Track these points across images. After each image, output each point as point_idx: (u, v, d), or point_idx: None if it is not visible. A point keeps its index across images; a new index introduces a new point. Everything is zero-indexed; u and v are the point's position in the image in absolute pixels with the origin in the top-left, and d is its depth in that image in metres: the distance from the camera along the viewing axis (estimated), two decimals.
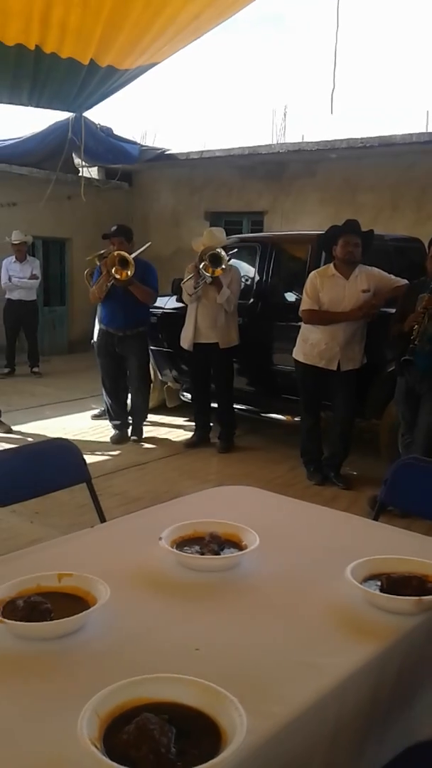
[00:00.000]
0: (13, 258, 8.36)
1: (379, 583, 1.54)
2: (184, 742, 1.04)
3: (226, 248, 5.33)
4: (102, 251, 6.34)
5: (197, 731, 1.06)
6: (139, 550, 1.73)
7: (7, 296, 8.39)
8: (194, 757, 1.00)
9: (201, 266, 5.04)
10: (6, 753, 1.05)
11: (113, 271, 5.05)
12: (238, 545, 1.73)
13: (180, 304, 5.91)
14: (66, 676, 1.25)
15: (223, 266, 5.03)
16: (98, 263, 6.06)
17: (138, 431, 5.68)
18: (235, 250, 5.51)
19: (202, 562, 1.64)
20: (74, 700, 1.11)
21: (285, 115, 10.89)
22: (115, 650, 1.32)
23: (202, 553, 1.66)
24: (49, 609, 1.37)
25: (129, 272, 5.04)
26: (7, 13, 5.85)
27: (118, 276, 5.06)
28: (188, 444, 5.57)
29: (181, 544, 1.71)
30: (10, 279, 8.30)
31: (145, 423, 5.79)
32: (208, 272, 5.04)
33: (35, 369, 8.53)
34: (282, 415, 5.46)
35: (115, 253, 5.09)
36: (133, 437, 5.66)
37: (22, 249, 8.36)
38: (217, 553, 1.67)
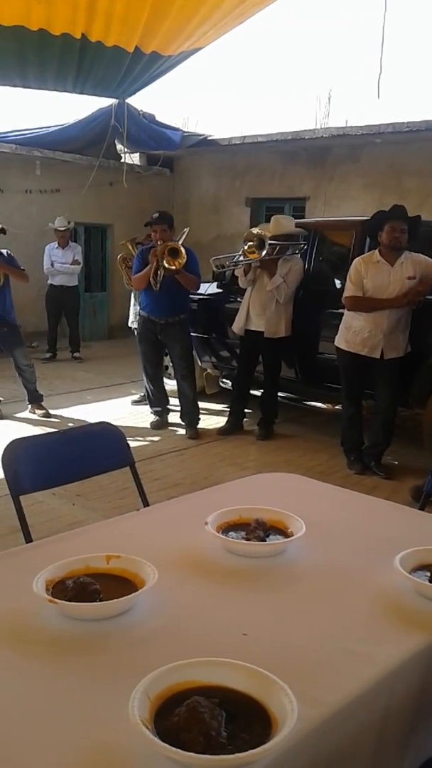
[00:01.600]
0: (56, 244, 8.44)
1: (428, 573, 1.51)
2: (234, 726, 1.04)
3: (291, 237, 5.29)
4: (135, 237, 6.36)
5: (247, 716, 1.06)
6: (185, 534, 1.73)
7: (49, 282, 8.49)
8: (244, 741, 1.00)
9: (246, 248, 5.03)
10: (56, 731, 1.06)
11: (165, 262, 5.04)
12: (283, 532, 1.72)
13: (219, 291, 5.91)
14: (114, 657, 1.26)
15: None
16: (131, 249, 6.08)
17: (189, 419, 5.56)
18: (303, 245, 5.41)
19: (249, 547, 1.63)
20: (122, 681, 1.12)
21: (329, 99, 10.75)
22: (162, 633, 1.32)
23: (248, 539, 1.66)
24: (97, 590, 1.38)
25: (180, 261, 5.03)
26: (53, 4, 5.90)
27: (171, 266, 5.04)
28: (222, 431, 5.56)
29: (227, 529, 1.71)
30: (52, 264, 8.39)
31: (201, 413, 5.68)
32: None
33: (76, 354, 8.62)
34: (323, 403, 5.42)
35: (168, 243, 5.06)
36: (189, 430, 5.52)
37: (65, 235, 8.44)
38: (263, 540, 1.66)
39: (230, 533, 1.69)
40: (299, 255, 5.36)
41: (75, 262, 8.48)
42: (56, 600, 1.34)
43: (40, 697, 1.14)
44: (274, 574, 1.57)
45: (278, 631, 1.34)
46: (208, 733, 1.00)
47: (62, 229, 8.35)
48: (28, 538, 2.00)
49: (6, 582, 1.53)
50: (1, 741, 1.03)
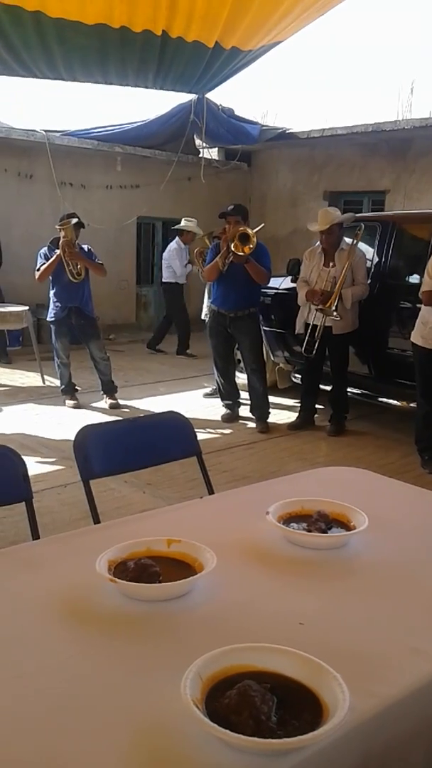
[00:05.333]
0: (183, 243, 8.22)
1: None
2: (284, 712, 1.04)
3: (341, 225, 5.21)
4: (212, 231, 6.38)
5: (298, 703, 1.06)
6: (246, 522, 1.74)
7: (178, 281, 8.33)
8: (294, 728, 1.00)
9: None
10: (112, 705, 1.09)
11: (233, 246, 5.04)
12: (345, 525, 1.70)
13: (294, 285, 5.86)
14: (170, 638, 1.28)
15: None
16: (208, 242, 6.09)
17: (259, 412, 5.55)
18: (360, 225, 5.29)
19: (309, 538, 1.62)
20: (177, 662, 1.14)
21: (412, 90, 10.46)
22: (219, 617, 1.33)
23: (309, 531, 1.65)
24: (157, 572, 1.41)
25: (250, 246, 5.01)
26: (135, 2, 6.02)
27: (238, 252, 5.04)
28: (292, 426, 5.53)
29: (288, 520, 1.71)
30: (186, 265, 8.25)
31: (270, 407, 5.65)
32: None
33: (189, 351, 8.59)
34: (397, 400, 5.30)
35: (240, 228, 5.06)
36: (259, 424, 5.51)
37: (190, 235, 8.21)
38: (324, 532, 1.65)
39: (291, 524, 1.69)
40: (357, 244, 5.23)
41: (190, 262, 8.25)
42: (117, 579, 1.37)
43: (96, 672, 1.18)
44: (334, 566, 1.56)
45: (335, 622, 1.33)
46: (258, 716, 1.00)
47: (190, 230, 8.11)
48: (97, 521, 2.06)
49: (71, 561, 1.58)
50: (59, 715, 1.06)
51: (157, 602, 1.37)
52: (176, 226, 8.35)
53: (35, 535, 1.95)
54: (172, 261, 8.20)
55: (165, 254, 8.36)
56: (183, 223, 8.23)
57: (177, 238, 8.26)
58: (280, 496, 1.81)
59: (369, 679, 1.13)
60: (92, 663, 1.20)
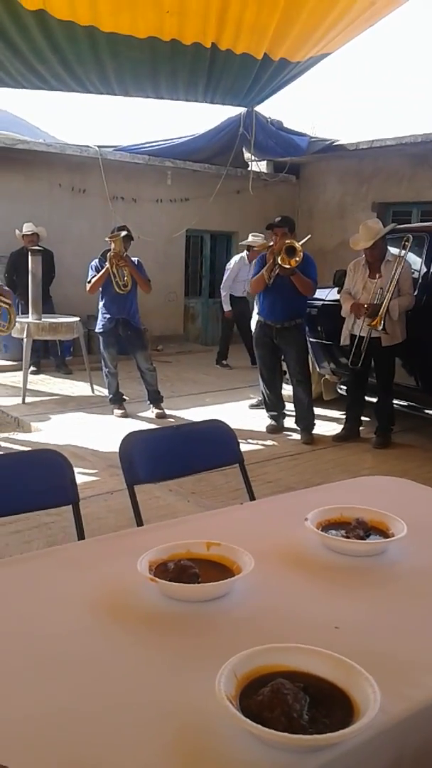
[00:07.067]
0: (246, 259, 8.19)
1: None
2: (316, 711, 1.06)
3: (384, 238, 5.18)
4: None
5: (330, 702, 1.08)
6: (285, 528, 1.76)
7: (231, 293, 8.38)
8: (325, 726, 1.02)
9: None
10: (151, 698, 1.13)
11: (279, 259, 5.07)
12: (384, 533, 1.71)
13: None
14: (206, 638, 1.31)
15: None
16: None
17: (304, 423, 5.55)
18: (408, 236, 5.25)
19: (347, 545, 1.64)
20: (214, 660, 1.16)
21: None
22: (256, 619, 1.36)
23: (347, 537, 1.66)
24: (197, 573, 1.44)
25: (296, 259, 5.03)
26: (185, 15, 6.12)
27: (285, 265, 5.07)
28: (337, 437, 5.51)
29: (327, 526, 1.73)
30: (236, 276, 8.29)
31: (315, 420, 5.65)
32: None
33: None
34: None
35: (286, 241, 5.10)
36: (304, 435, 5.52)
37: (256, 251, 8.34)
38: (363, 539, 1.66)
39: (330, 531, 1.70)
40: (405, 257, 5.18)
41: None
42: (157, 579, 1.42)
43: (134, 668, 1.22)
44: (371, 573, 1.57)
45: (370, 627, 1.34)
46: (290, 714, 1.03)
47: (256, 246, 8.28)
48: (140, 525, 2.11)
49: (113, 561, 1.63)
50: (98, 708, 1.11)
51: (195, 603, 1.41)
52: (244, 242, 8.30)
53: (80, 537, 2.02)
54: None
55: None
56: (250, 238, 8.15)
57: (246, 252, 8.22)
58: (319, 503, 1.83)
59: (402, 683, 1.14)
60: (134, 660, 1.24)
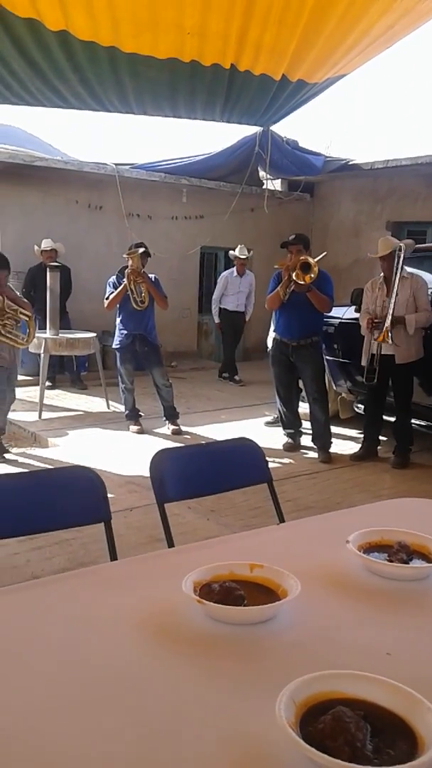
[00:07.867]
0: (234, 271, 8.60)
1: None
2: (378, 740, 1.03)
3: (401, 254, 5.18)
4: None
5: (392, 732, 1.06)
6: (325, 551, 1.74)
7: (222, 306, 8.69)
8: (390, 756, 1.00)
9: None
10: (208, 724, 1.10)
11: (294, 276, 5.08)
12: (427, 557, 1.68)
13: (357, 315, 5.85)
14: (258, 661, 1.29)
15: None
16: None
17: (321, 442, 5.55)
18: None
19: (392, 569, 1.62)
20: (268, 685, 1.15)
21: None
22: (304, 643, 1.34)
23: (390, 561, 1.64)
24: (242, 596, 1.42)
25: (311, 276, 5.04)
26: (205, 36, 6.18)
27: (300, 281, 5.08)
28: (355, 457, 5.48)
29: (368, 549, 1.70)
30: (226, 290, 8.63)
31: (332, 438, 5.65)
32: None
33: (236, 377, 8.78)
34: None
35: (301, 257, 5.11)
36: (321, 454, 5.51)
37: (245, 263, 8.61)
38: (406, 563, 1.64)
39: (372, 554, 1.68)
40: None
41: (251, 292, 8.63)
42: (204, 601, 1.40)
43: (186, 692, 1.19)
44: (417, 597, 1.54)
45: (423, 653, 1.32)
46: (353, 743, 1.01)
47: (243, 257, 8.52)
48: (170, 544, 2.10)
49: (152, 581, 1.61)
50: (152, 735, 1.08)
51: (242, 625, 1.38)
52: (231, 252, 8.70)
53: (113, 556, 2.00)
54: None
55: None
56: (237, 251, 8.55)
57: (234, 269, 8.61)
58: (356, 525, 1.80)
59: None
60: (185, 684, 1.21)
